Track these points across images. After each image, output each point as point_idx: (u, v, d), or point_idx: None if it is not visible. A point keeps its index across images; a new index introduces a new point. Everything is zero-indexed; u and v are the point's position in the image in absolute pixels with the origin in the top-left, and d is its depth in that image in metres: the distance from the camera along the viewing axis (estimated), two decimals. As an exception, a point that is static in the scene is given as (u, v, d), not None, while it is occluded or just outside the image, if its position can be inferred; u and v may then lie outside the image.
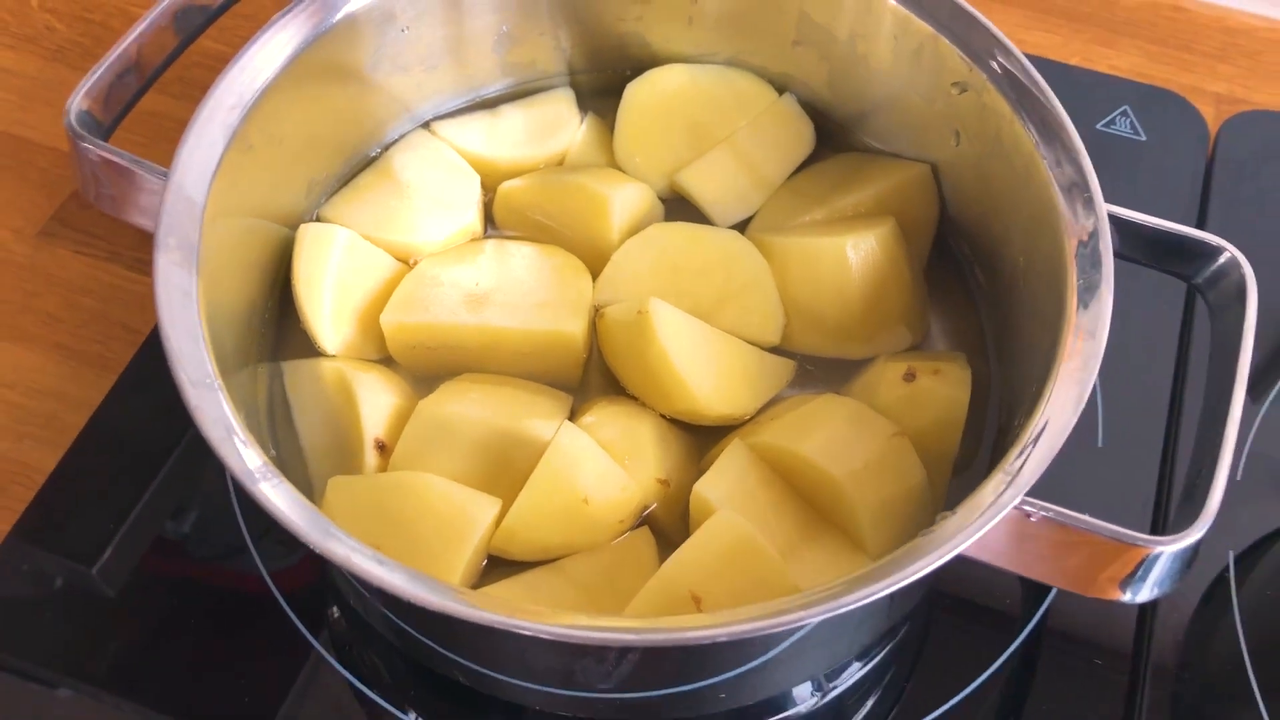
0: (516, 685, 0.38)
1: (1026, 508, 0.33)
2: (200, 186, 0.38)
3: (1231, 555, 0.44)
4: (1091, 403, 0.49)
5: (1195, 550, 0.33)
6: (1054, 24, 0.69)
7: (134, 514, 0.47)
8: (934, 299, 0.47)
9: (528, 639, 0.32)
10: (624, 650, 0.33)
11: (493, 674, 0.38)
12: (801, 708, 0.43)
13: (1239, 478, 0.43)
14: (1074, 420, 0.34)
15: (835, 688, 0.43)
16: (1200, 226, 0.54)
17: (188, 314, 0.36)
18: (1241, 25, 0.69)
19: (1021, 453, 0.34)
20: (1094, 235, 0.36)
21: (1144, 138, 0.56)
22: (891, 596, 0.36)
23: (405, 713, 0.41)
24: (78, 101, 0.40)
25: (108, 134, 0.41)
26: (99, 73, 0.41)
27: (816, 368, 0.45)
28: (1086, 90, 0.59)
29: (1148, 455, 0.47)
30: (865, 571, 0.32)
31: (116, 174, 0.39)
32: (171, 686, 0.42)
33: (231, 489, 0.46)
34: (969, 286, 0.47)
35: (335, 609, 0.44)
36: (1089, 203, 0.37)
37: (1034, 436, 0.34)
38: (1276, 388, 0.49)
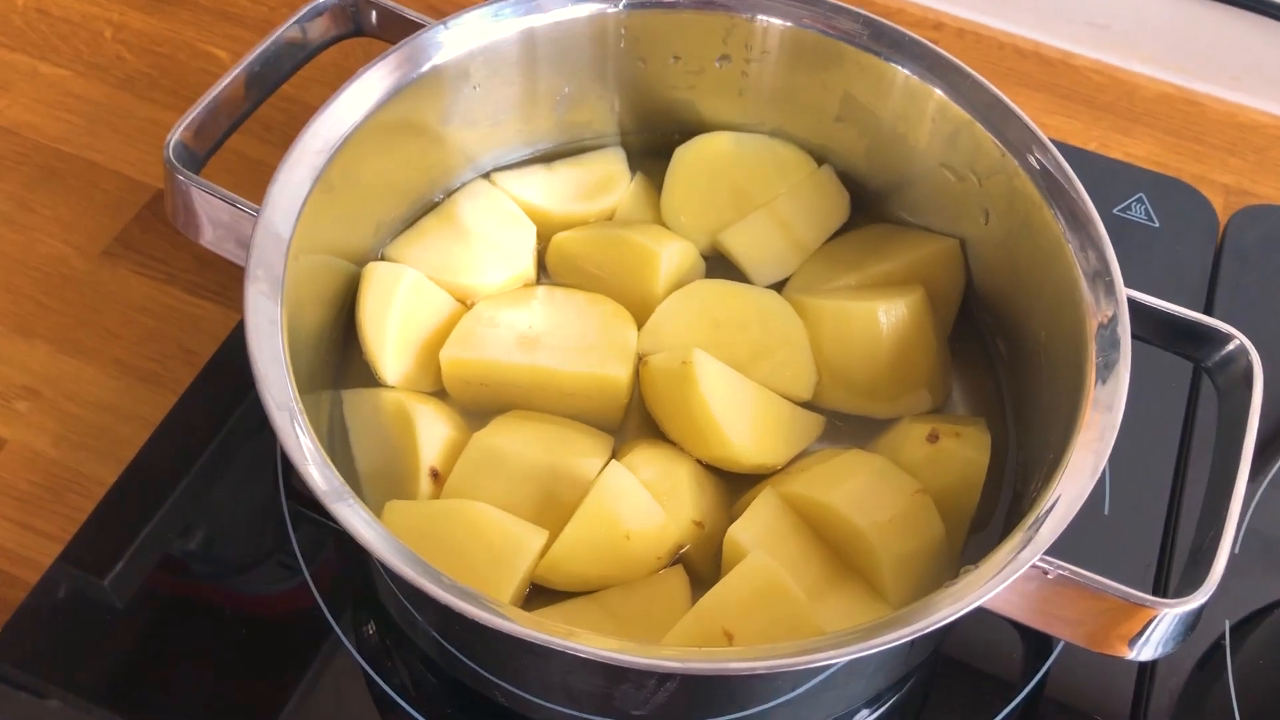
0: (554, 709, 0.41)
1: (1044, 565, 0.35)
2: (287, 224, 0.41)
3: (1227, 624, 0.47)
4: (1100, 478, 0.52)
5: (1198, 614, 0.36)
6: (1075, 110, 0.73)
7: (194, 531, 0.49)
8: (957, 365, 0.50)
9: (576, 661, 0.34)
10: (665, 678, 0.36)
11: (532, 698, 0.41)
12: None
13: (1236, 550, 0.46)
14: (1090, 487, 0.36)
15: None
16: (1208, 311, 0.57)
17: (274, 342, 0.38)
18: (1251, 121, 0.72)
19: (1041, 515, 0.36)
20: (1114, 319, 0.39)
21: (1157, 224, 0.60)
22: (911, 644, 0.39)
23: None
24: (176, 135, 0.43)
25: (200, 167, 0.44)
26: (196, 110, 0.44)
27: (844, 424, 0.48)
28: (1105, 176, 0.62)
29: (1151, 525, 0.50)
30: (895, 615, 0.34)
31: (206, 205, 0.42)
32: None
33: (285, 510, 0.49)
34: (990, 355, 0.50)
35: (372, 625, 0.46)
36: (1110, 289, 0.40)
37: (1053, 500, 0.37)
38: (1274, 469, 0.51)
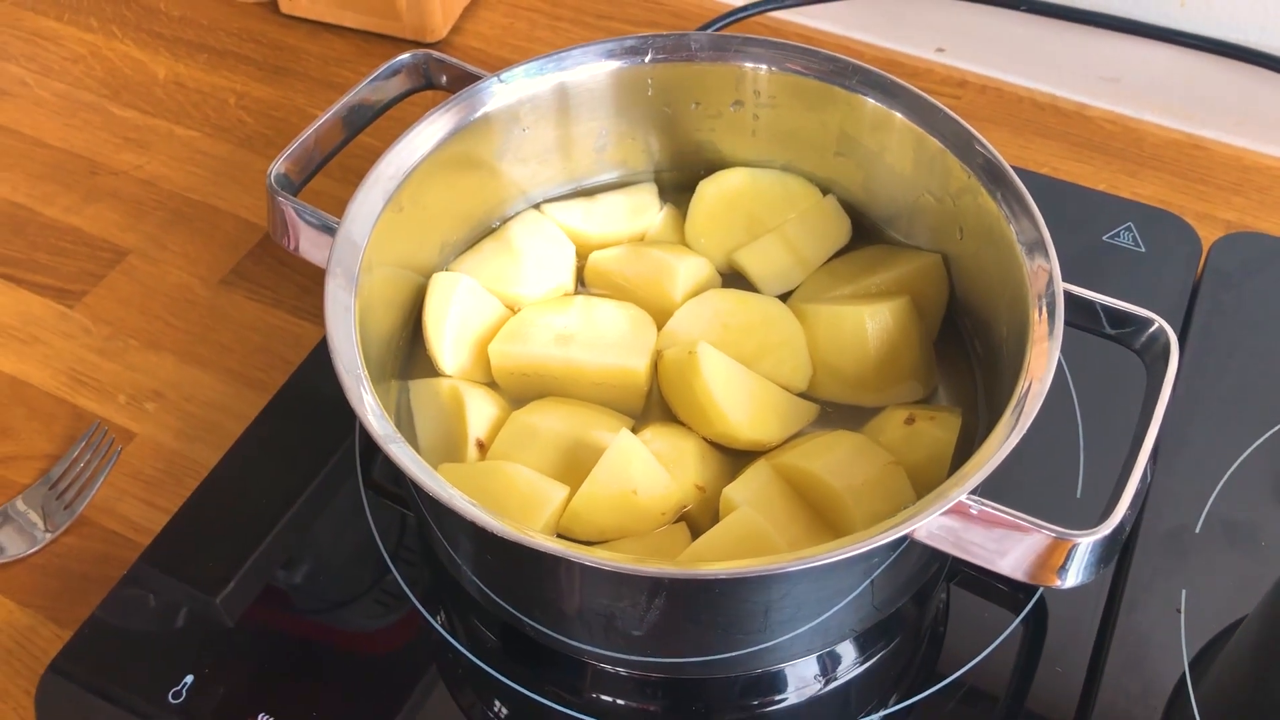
0: (569, 643, 0.48)
1: (969, 502, 0.42)
2: (362, 234, 0.51)
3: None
4: (1074, 463, 0.58)
5: (1109, 542, 0.41)
6: (1088, 156, 0.79)
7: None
8: (941, 364, 0.57)
9: (582, 573, 0.42)
10: (654, 594, 0.43)
11: (551, 631, 0.48)
12: (808, 690, 0.52)
13: (1149, 480, 0.46)
14: (1014, 441, 0.43)
15: (836, 679, 0.52)
16: (1186, 325, 0.63)
17: (347, 324, 0.47)
18: (1254, 163, 0.77)
19: (975, 466, 0.43)
20: (1050, 278, 0.46)
21: (1143, 249, 0.66)
22: (871, 580, 0.46)
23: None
24: (278, 166, 0.53)
25: (295, 192, 0.54)
26: (293, 147, 0.54)
27: (836, 412, 0.55)
28: (1097, 209, 0.68)
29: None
30: (837, 542, 0.41)
31: (299, 220, 0.52)
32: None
33: (364, 496, 0.58)
34: (969, 354, 0.56)
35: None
36: (1045, 255, 0.47)
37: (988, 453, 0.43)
38: (1241, 457, 0.57)
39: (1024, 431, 0.43)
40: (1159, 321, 0.47)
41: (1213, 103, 0.78)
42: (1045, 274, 0.47)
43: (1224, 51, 0.75)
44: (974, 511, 0.42)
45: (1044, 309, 0.47)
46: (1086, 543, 0.41)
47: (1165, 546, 0.54)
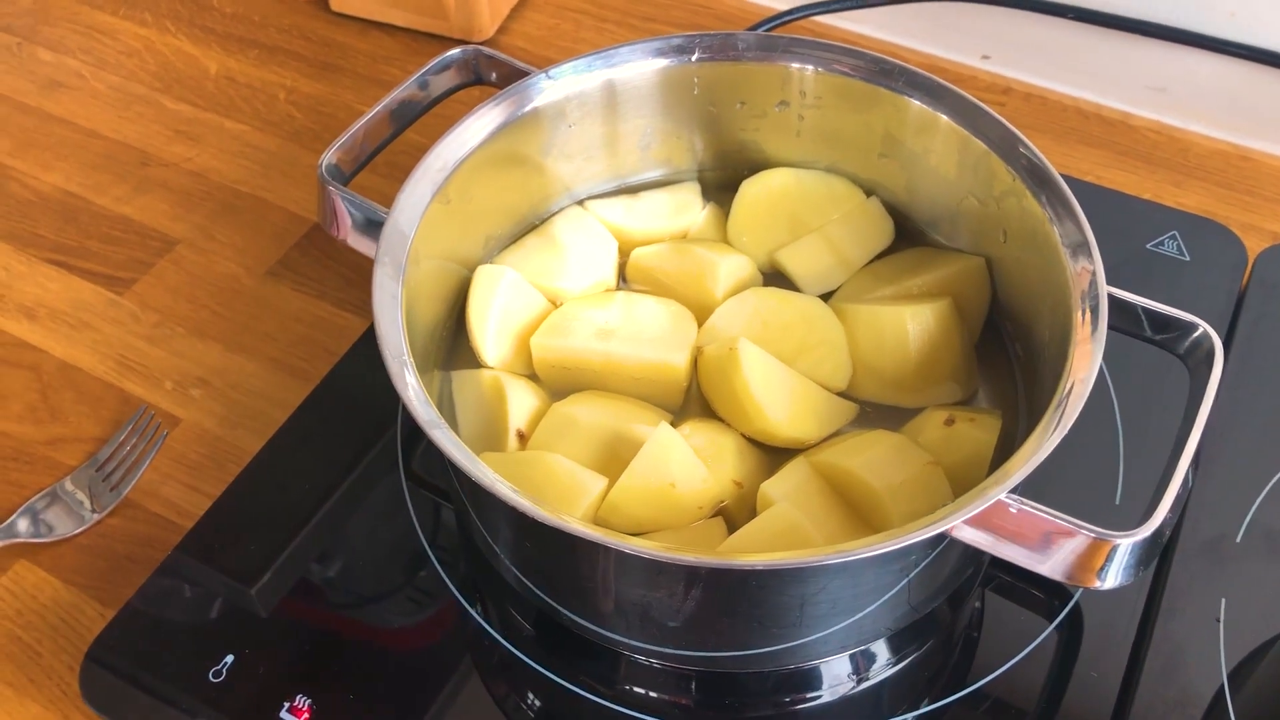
0: (604, 634, 0.48)
1: (1009, 501, 0.42)
2: (410, 224, 0.51)
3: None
4: (1114, 468, 0.58)
5: (1150, 543, 0.41)
6: (1133, 166, 0.78)
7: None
8: (982, 366, 0.57)
9: (620, 560, 0.42)
10: (690, 584, 0.43)
11: (587, 622, 0.49)
12: (841, 689, 0.52)
13: (1190, 486, 0.46)
14: (1055, 441, 0.43)
15: (868, 678, 0.52)
16: (1230, 334, 0.63)
17: (393, 311, 0.48)
18: (1302, 175, 0.77)
19: (1015, 466, 0.43)
20: (1093, 279, 0.46)
21: (1188, 258, 0.65)
22: (908, 579, 0.46)
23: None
24: (329, 156, 0.54)
25: (345, 183, 0.55)
26: (344, 139, 0.55)
27: (876, 411, 0.55)
28: (1142, 217, 0.68)
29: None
30: (873, 538, 0.41)
31: (348, 208, 0.53)
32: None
33: (407, 495, 0.58)
34: (1010, 358, 0.56)
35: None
36: (1089, 257, 0.47)
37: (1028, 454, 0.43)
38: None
39: (1065, 432, 0.43)
40: (1203, 326, 0.47)
41: (1260, 113, 0.78)
42: (1089, 275, 0.47)
43: (1273, 62, 0.75)
44: (1013, 510, 0.42)
45: (1087, 310, 0.47)
46: (1126, 544, 0.41)
47: (1205, 555, 0.54)
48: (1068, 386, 0.45)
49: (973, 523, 0.42)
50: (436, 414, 0.45)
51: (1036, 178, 0.51)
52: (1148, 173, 0.78)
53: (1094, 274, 0.48)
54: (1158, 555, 0.42)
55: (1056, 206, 0.50)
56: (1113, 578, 0.42)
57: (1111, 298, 0.48)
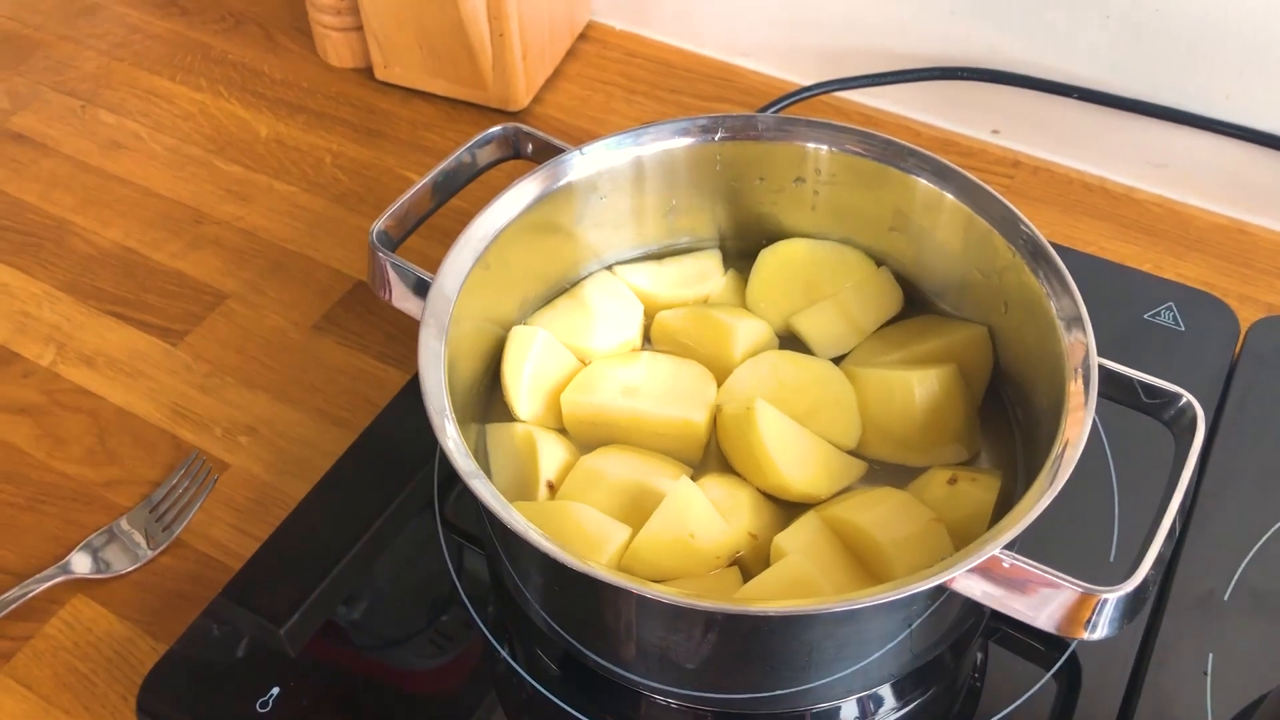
0: (626, 675, 0.52)
1: (1002, 556, 0.45)
2: (453, 288, 0.55)
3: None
4: (1109, 529, 0.61)
5: (1133, 598, 0.45)
6: (1135, 238, 0.82)
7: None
8: (985, 429, 0.60)
9: (641, 605, 0.46)
10: (708, 628, 0.47)
11: (609, 664, 0.52)
12: (846, 733, 0.55)
13: (1174, 540, 0.49)
14: (1047, 500, 0.46)
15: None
16: (1222, 402, 0.66)
17: (437, 369, 0.52)
18: (1296, 248, 0.81)
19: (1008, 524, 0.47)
20: (1086, 351, 0.50)
21: (1183, 329, 0.69)
22: (910, 627, 0.49)
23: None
24: (380, 224, 0.58)
25: (394, 249, 0.59)
26: (394, 207, 0.59)
27: (883, 469, 0.59)
28: (1141, 288, 0.72)
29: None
30: (874, 589, 0.45)
31: (397, 274, 0.57)
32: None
33: (442, 542, 0.62)
34: (1010, 421, 0.60)
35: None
36: (1083, 330, 0.51)
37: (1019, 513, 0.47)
38: (1268, 533, 0.59)
39: (1056, 492, 0.47)
40: (1187, 397, 0.50)
41: (1257, 190, 0.81)
42: (1082, 348, 0.51)
43: (1267, 142, 0.78)
44: (1006, 565, 0.45)
45: (1080, 380, 0.51)
46: (1113, 598, 0.45)
47: (1195, 610, 0.57)
48: (1061, 449, 0.48)
49: (969, 576, 0.45)
50: (474, 464, 0.49)
51: (1035, 254, 0.55)
52: (1150, 244, 0.81)
53: (1087, 346, 0.51)
54: (1143, 609, 0.46)
55: (1053, 282, 0.54)
56: (1100, 629, 0.45)
57: (1103, 368, 0.51)
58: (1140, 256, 0.80)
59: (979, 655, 0.57)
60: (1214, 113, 0.80)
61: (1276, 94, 0.77)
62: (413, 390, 0.64)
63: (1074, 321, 0.53)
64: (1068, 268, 0.55)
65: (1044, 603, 0.46)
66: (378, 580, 0.61)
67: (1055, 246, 0.62)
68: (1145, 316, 0.69)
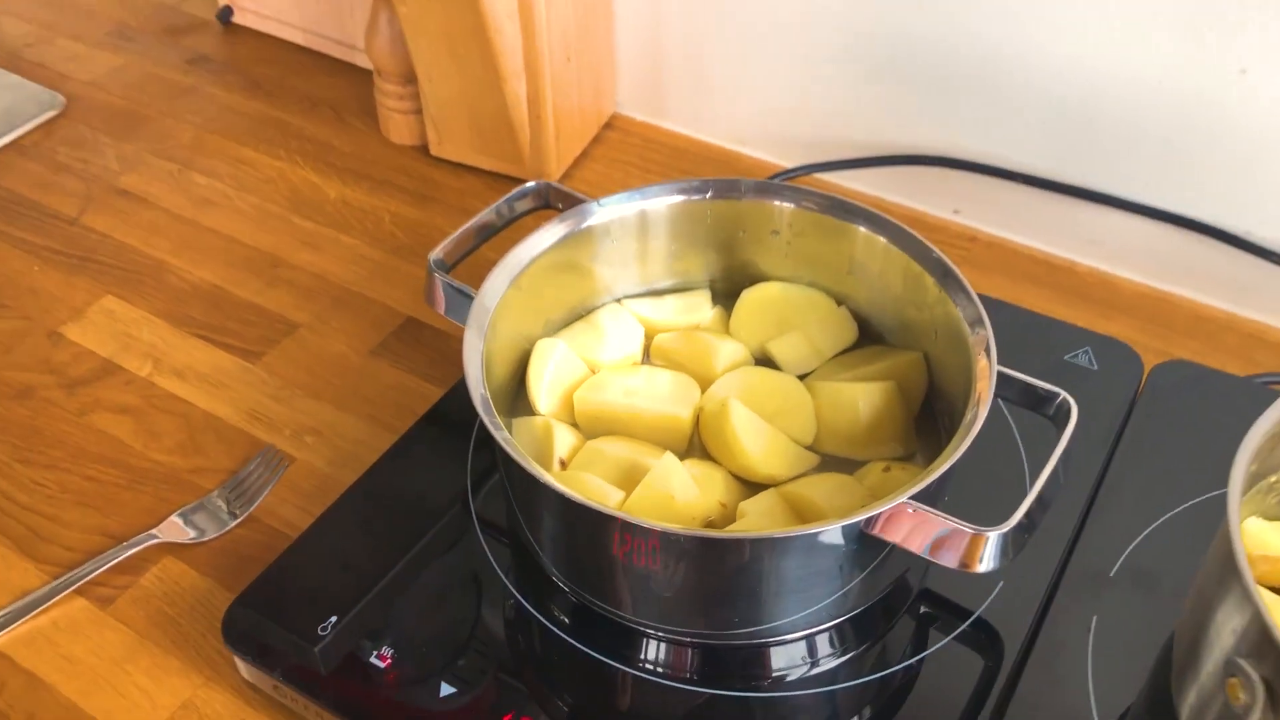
0: (619, 614, 0.65)
1: (908, 504, 0.58)
2: (492, 303, 0.69)
3: None
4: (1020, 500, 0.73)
5: (1008, 537, 0.57)
6: (1073, 302, 0.95)
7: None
8: (920, 434, 0.74)
9: (624, 527, 0.59)
10: (679, 558, 0.60)
11: (604, 604, 0.65)
12: (795, 674, 0.67)
13: (1037, 502, 0.60)
14: (949, 463, 0.60)
15: (818, 662, 0.67)
16: (1125, 425, 0.79)
17: (476, 359, 0.65)
18: (1209, 314, 0.93)
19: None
20: (987, 354, 0.63)
21: (1096, 368, 0.82)
22: (842, 568, 0.62)
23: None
24: (437, 253, 0.73)
25: (447, 272, 0.74)
26: (447, 241, 0.74)
27: (833, 461, 0.72)
28: (1065, 335, 0.85)
29: (1059, 539, 0.71)
30: (804, 526, 0.58)
31: (448, 290, 0.72)
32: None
33: (475, 520, 0.75)
34: (939, 429, 0.73)
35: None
36: (984, 325, 0.65)
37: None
38: (1161, 518, 0.72)
39: (954, 460, 0.60)
40: (1063, 394, 0.64)
41: (1175, 263, 0.94)
42: (984, 340, 0.65)
43: (1181, 223, 0.92)
44: (911, 511, 0.58)
45: (985, 378, 0.64)
46: (994, 535, 0.57)
47: (1086, 583, 0.69)
48: (965, 429, 0.62)
49: (882, 520, 0.58)
50: (500, 422, 0.62)
51: (944, 271, 0.69)
52: (1085, 308, 0.95)
53: (991, 358, 0.65)
54: (1021, 546, 0.58)
55: (955, 292, 0.68)
56: (988, 562, 0.58)
57: (1001, 373, 0.65)
58: (1076, 317, 0.93)
59: (908, 620, 0.70)
60: (1136, 197, 0.94)
61: (1183, 182, 0.91)
62: (446, 401, 0.79)
63: (976, 322, 0.66)
64: (1007, 322, 0.69)
65: (943, 543, 0.58)
66: (412, 551, 0.73)
67: (1000, 303, 0.77)
68: (1065, 358, 0.83)
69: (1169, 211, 0.93)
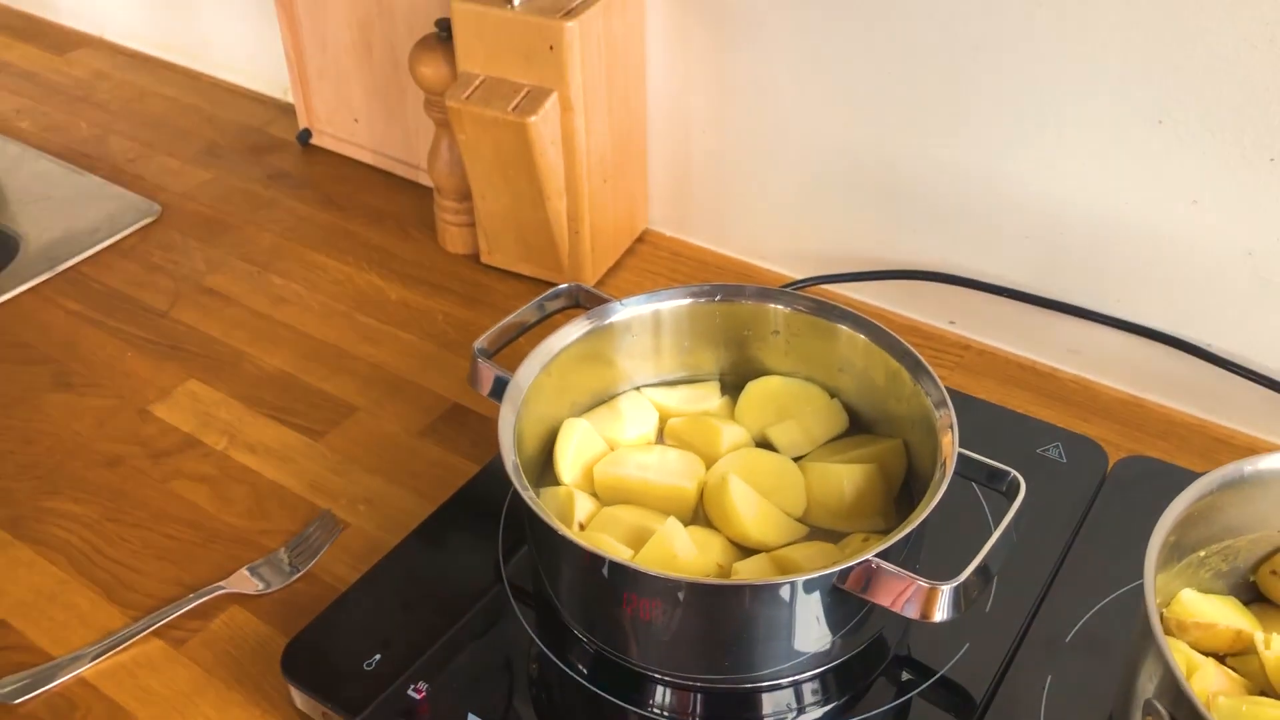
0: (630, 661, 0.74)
1: (872, 562, 0.68)
2: (525, 384, 0.80)
3: None
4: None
5: (958, 591, 0.66)
6: (1053, 404, 1.04)
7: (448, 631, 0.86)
8: (899, 510, 0.83)
9: (632, 575, 0.69)
10: (676, 603, 0.69)
11: (615, 651, 0.75)
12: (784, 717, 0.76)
13: (986, 566, 0.68)
14: (909, 528, 0.69)
15: (805, 709, 0.76)
16: (1088, 511, 0.88)
17: (509, 433, 0.77)
18: (1179, 419, 1.02)
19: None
20: (950, 432, 0.73)
21: (1065, 461, 0.91)
22: (817, 612, 0.71)
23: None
24: (481, 341, 0.84)
25: (489, 358, 0.86)
26: (490, 332, 0.85)
27: (820, 533, 0.82)
28: (1040, 432, 0.94)
29: (1021, 610, 0.79)
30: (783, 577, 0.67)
31: (489, 374, 0.83)
32: None
33: (505, 579, 0.86)
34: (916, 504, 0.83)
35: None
36: (947, 407, 0.74)
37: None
38: (1117, 591, 0.80)
39: (914, 526, 0.70)
40: (1013, 473, 0.73)
41: (1148, 371, 1.04)
42: (948, 421, 0.75)
43: (1154, 336, 1.02)
44: (874, 566, 0.68)
45: (947, 461, 0.74)
46: (947, 589, 0.66)
47: (1043, 647, 0.77)
48: (926, 502, 0.71)
49: (852, 575, 0.68)
50: (528, 486, 0.73)
51: (915, 365, 0.80)
52: (1065, 410, 1.04)
53: (954, 437, 0.75)
54: (972, 599, 0.67)
55: (921, 376, 0.78)
56: (943, 612, 0.67)
57: (961, 454, 0.75)
58: (1057, 418, 1.02)
59: (884, 679, 0.78)
60: (1110, 311, 1.04)
61: (1149, 298, 1.01)
62: (485, 475, 0.90)
63: (940, 403, 0.76)
64: (989, 418, 0.81)
65: (904, 596, 0.67)
66: (444, 599, 0.83)
67: (983, 402, 0.87)
68: (1038, 450, 0.92)
69: (1139, 324, 1.02)
